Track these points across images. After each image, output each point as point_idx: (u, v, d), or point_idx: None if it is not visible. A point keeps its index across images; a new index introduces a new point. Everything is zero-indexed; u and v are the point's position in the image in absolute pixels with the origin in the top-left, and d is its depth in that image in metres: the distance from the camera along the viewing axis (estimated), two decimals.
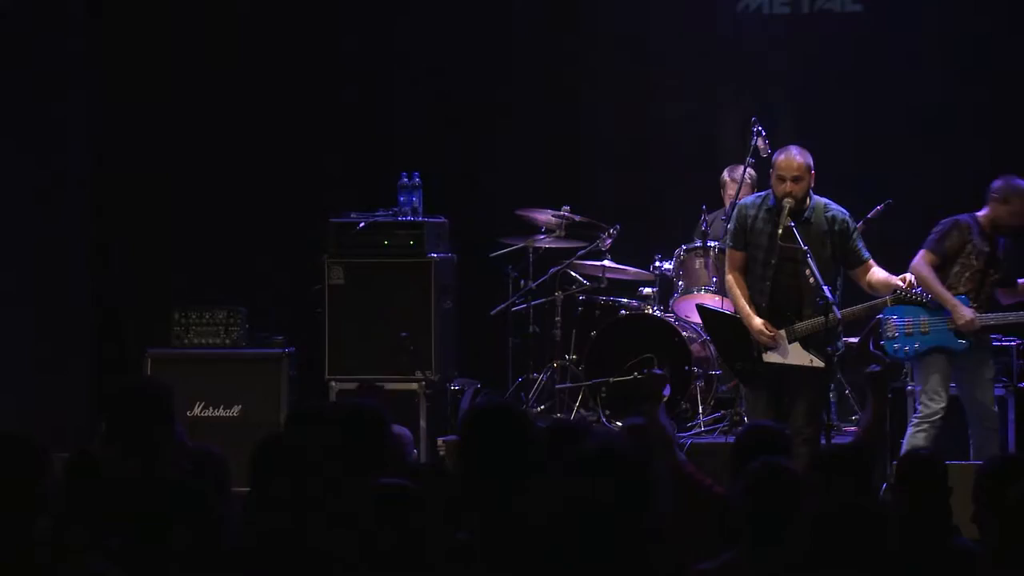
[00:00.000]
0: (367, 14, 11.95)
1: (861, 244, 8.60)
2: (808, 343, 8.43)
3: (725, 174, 10.94)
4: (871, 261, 8.59)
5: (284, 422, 6.20)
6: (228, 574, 4.71)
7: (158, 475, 5.30)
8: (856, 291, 8.74)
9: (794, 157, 8.50)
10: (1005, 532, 4.75)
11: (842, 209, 8.64)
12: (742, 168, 10.37)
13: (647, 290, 10.67)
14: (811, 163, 8.53)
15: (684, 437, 9.73)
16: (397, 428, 6.12)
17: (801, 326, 8.45)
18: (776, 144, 9.58)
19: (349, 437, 5.49)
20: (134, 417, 5.60)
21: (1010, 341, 9.71)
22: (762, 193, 8.77)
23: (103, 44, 11.62)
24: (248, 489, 5.11)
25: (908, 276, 8.53)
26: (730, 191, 10.75)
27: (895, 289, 8.43)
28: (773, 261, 8.51)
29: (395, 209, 10.75)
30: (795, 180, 8.44)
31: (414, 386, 10.46)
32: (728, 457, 5.76)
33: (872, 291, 8.57)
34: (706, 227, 10.43)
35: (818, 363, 8.41)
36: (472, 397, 10.62)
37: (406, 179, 10.79)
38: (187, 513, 4.69)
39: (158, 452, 5.53)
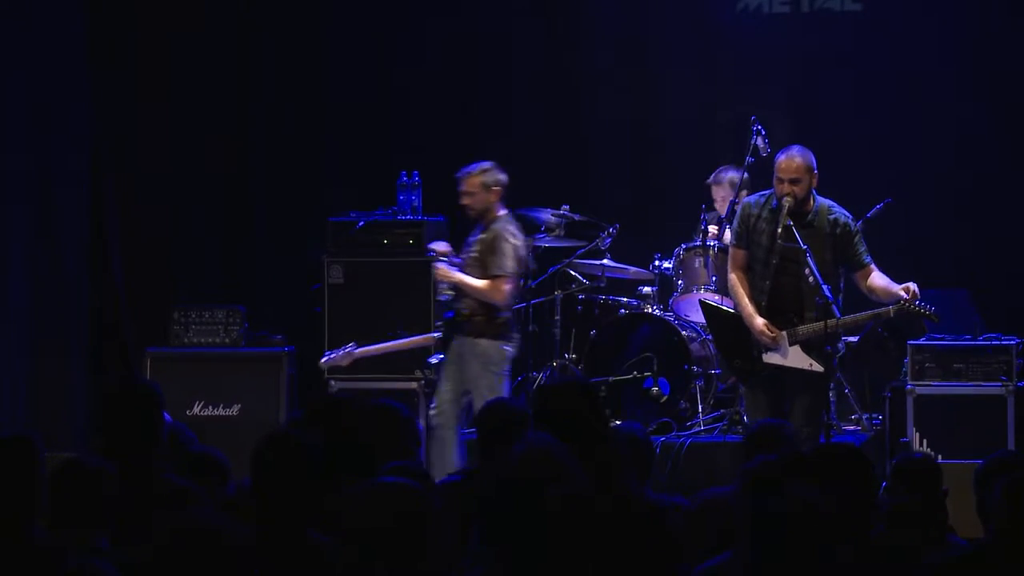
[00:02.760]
0: (368, 14, 11.95)
1: (863, 248, 8.57)
2: (809, 346, 8.42)
3: (712, 179, 10.79)
4: (872, 266, 8.56)
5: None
6: (226, 574, 4.71)
7: (155, 476, 5.32)
8: (860, 295, 8.72)
9: (793, 158, 8.49)
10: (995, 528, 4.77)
11: (845, 212, 8.62)
12: (728, 171, 10.40)
13: (646, 289, 10.66)
14: (813, 164, 8.51)
15: (683, 436, 9.73)
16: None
17: (803, 329, 8.43)
18: (776, 144, 9.58)
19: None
20: (125, 418, 5.60)
21: (1010, 340, 9.71)
22: (766, 192, 8.75)
23: (103, 44, 11.61)
24: (248, 489, 5.10)
25: (911, 286, 8.44)
26: (717, 195, 10.67)
27: (898, 300, 8.37)
28: (774, 261, 8.50)
29: (394, 208, 10.75)
30: (793, 182, 8.43)
31: (413, 386, 10.46)
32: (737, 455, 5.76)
33: (871, 296, 8.54)
34: (705, 226, 10.42)
35: (817, 367, 8.40)
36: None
37: (406, 178, 10.79)
38: (184, 512, 4.70)
39: (151, 453, 5.53)
